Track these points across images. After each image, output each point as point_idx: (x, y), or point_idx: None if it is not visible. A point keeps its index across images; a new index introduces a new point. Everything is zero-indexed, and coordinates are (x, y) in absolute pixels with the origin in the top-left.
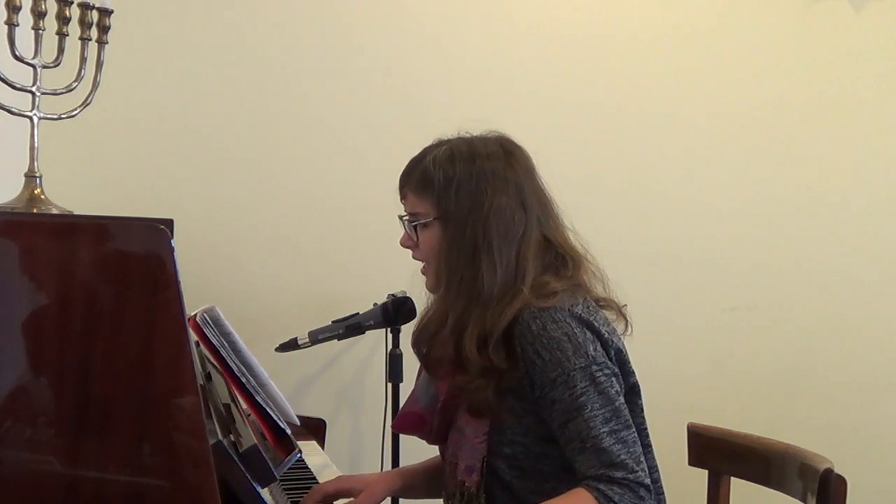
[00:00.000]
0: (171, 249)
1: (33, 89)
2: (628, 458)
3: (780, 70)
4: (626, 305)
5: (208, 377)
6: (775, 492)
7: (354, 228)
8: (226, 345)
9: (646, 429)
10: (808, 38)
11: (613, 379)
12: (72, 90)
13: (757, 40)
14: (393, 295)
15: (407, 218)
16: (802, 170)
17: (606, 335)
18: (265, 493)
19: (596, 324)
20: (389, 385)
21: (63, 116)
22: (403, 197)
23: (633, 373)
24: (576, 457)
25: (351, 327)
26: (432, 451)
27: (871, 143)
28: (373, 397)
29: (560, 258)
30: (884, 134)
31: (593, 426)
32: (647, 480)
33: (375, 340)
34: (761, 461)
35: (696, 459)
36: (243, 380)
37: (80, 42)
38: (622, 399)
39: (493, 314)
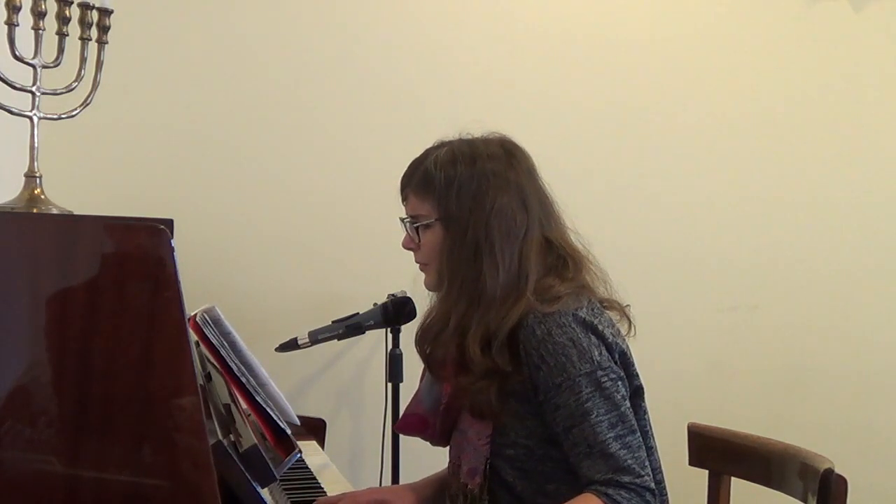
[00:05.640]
0: (171, 249)
1: (33, 89)
2: (634, 462)
3: (780, 70)
4: (629, 306)
5: (208, 377)
6: (775, 492)
7: (354, 228)
8: (226, 345)
9: (649, 430)
10: (808, 38)
11: (619, 383)
12: (72, 90)
13: (757, 40)
14: (393, 295)
15: (408, 220)
16: (802, 170)
17: (611, 338)
18: (265, 493)
19: (600, 327)
20: (389, 385)
21: (63, 116)
22: (405, 199)
23: (638, 375)
24: (581, 462)
25: (351, 327)
26: (433, 451)
27: (872, 143)
28: (373, 397)
29: (562, 259)
30: (884, 134)
31: (599, 431)
32: (653, 485)
33: (375, 340)
34: (761, 461)
35: (696, 459)
36: (243, 380)
37: (80, 42)
38: (627, 403)
39: (496, 315)
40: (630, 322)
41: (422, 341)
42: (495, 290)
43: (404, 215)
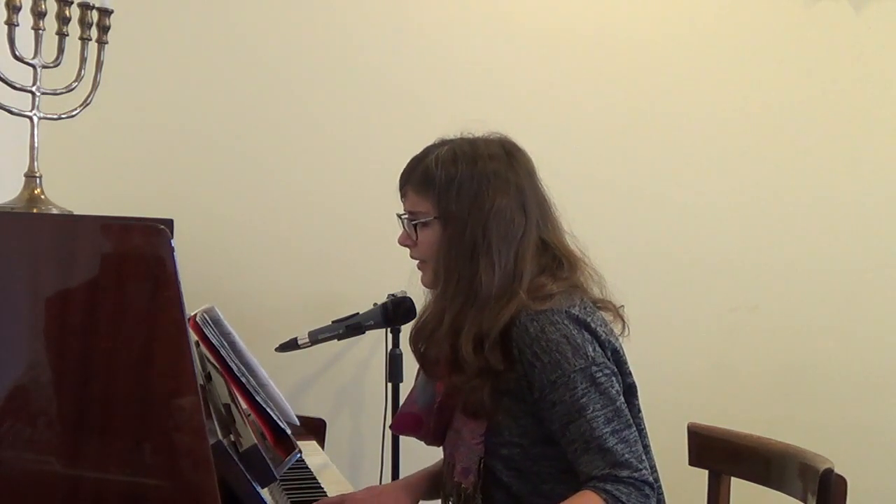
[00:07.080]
0: (171, 249)
1: (33, 89)
2: (632, 456)
3: (780, 70)
4: (623, 306)
5: (208, 377)
6: (775, 492)
7: (354, 228)
8: (226, 345)
9: (644, 429)
10: (808, 38)
11: (613, 379)
12: (72, 90)
13: (757, 40)
14: (393, 295)
15: (406, 216)
16: (803, 170)
17: (603, 336)
18: (265, 493)
19: (593, 324)
20: (389, 385)
21: (63, 116)
22: (404, 195)
23: (630, 373)
24: (579, 458)
25: (351, 327)
26: (432, 451)
27: (872, 144)
28: (373, 397)
29: (557, 260)
30: (884, 134)
31: (596, 426)
32: (651, 478)
33: (375, 340)
34: (761, 461)
35: (696, 459)
36: (243, 380)
37: (80, 42)
38: (622, 399)
39: (489, 315)
40: (624, 322)
41: (416, 340)
42: (490, 289)
43: (402, 212)
